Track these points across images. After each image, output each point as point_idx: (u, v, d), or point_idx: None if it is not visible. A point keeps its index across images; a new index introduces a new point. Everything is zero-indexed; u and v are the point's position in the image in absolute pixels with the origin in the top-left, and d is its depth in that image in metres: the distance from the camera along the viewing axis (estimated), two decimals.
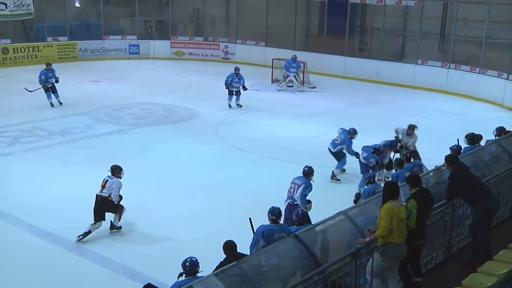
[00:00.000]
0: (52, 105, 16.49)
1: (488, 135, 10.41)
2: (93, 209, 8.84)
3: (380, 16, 22.44)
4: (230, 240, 6.30)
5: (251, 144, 13.70)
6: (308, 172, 8.73)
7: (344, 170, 11.69)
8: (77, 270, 8.01)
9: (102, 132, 14.52)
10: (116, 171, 9.00)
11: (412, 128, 11.62)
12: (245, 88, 16.91)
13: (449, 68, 20.38)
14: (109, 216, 9.01)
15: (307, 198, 8.54)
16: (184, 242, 8.65)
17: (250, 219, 6.93)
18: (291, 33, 24.64)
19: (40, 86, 16.09)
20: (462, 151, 9.32)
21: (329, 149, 11.70)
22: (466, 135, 10.02)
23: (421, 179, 6.58)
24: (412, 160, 10.14)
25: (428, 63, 20.98)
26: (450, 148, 9.46)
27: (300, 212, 6.99)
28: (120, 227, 9.07)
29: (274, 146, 13.60)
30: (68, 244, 8.62)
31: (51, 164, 12.03)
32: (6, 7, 22.44)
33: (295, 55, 19.92)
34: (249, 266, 5.49)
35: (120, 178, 9.02)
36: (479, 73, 19.39)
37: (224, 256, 6.20)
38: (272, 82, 20.78)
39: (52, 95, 16.58)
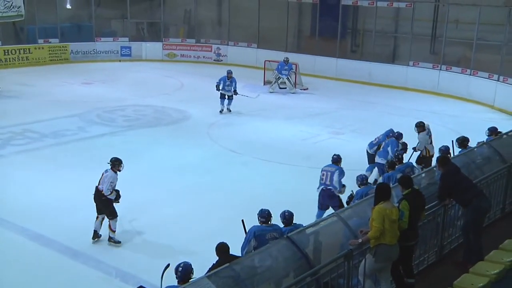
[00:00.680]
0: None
1: (480, 136, 10.47)
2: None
3: (372, 18, 22.52)
4: (222, 242, 6.29)
5: (244, 145, 13.71)
6: (338, 160, 9.45)
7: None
8: (69, 273, 7.97)
9: (94, 134, 14.47)
10: (116, 163, 8.77)
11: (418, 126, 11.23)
12: (235, 93, 16.57)
13: (440, 69, 20.49)
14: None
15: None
16: (177, 244, 8.64)
17: (242, 221, 6.93)
18: (283, 35, 24.67)
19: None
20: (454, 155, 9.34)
21: (366, 150, 11.43)
22: (457, 138, 9.97)
23: (413, 180, 6.60)
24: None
25: (420, 65, 21.08)
26: (439, 149, 9.51)
27: (287, 213, 7.01)
28: (119, 242, 8.72)
29: (267, 147, 13.61)
30: (61, 247, 8.58)
31: (43, 167, 11.97)
32: None
33: (287, 57, 19.94)
34: (242, 267, 5.50)
35: (119, 171, 8.78)
36: (470, 74, 19.50)
37: (217, 258, 6.18)
38: (264, 84, 20.79)
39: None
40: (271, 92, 19.52)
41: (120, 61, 25.26)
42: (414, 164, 10.66)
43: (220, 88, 16.42)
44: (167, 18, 26.73)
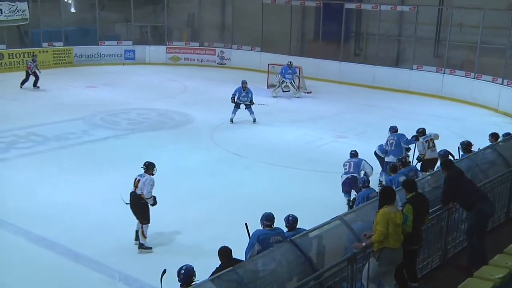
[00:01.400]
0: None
1: (484, 140, 10.42)
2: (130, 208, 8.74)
3: (375, 21, 22.52)
4: (225, 246, 6.27)
5: (247, 149, 13.70)
6: (356, 154, 10.58)
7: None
8: (72, 276, 7.98)
9: (98, 138, 14.49)
10: (150, 167, 8.79)
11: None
12: (252, 103, 16.11)
13: (444, 73, 20.45)
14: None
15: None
16: (180, 248, 8.64)
17: (246, 224, 6.92)
18: (287, 38, 24.69)
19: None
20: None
21: (376, 153, 11.44)
22: (461, 143, 9.88)
23: (417, 184, 6.59)
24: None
25: (423, 68, 21.05)
26: (438, 153, 9.48)
27: (291, 218, 6.99)
28: (151, 248, 8.67)
29: (270, 151, 13.61)
30: (63, 250, 8.59)
31: (46, 170, 11.99)
32: (1, 13, 22.43)
33: (290, 62, 19.93)
34: (245, 271, 5.48)
35: (153, 175, 8.78)
36: (474, 78, 19.46)
37: (219, 262, 6.17)
38: (267, 87, 20.80)
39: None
40: (274, 97, 19.51)
41: (124, 64, 25.32)
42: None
43: (236, 100, 16.00)
44: (170, 21, 26.79)
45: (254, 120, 16.05)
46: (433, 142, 11.02)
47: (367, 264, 5.93)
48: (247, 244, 6.76)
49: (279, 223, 6.95)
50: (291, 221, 6.96)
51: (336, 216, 6.30)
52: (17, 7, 22.93)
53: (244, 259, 6.32)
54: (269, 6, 24.79)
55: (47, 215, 9.73)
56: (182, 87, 21.30)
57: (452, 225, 7.24)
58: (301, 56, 23.59)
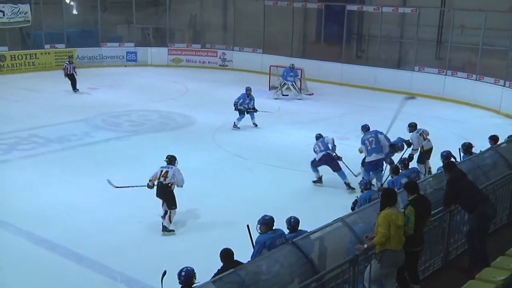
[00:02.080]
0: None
1: (485, 142, 10.40)
2: (156, 195, 9.42)
3: (377, 23, 22.54)
4: (227, 248, 6.27)
5: (249, 150, 13.70)
6: (321, 135, 11.86)
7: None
8: (74, 277, 7.98)
9: (100, 139, 14.51)
10: (173, 159, 9.64)
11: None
12: (255, 110, 15.96)
13: (446, 75, 20.44)
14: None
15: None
16: (181, 249, 8.64)
17: (248, 226, 6.91)
18: (289, 40, 24.70)
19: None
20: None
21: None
22: (462, 144, 9.89)
23: (419, 186, 6.58)
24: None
25: (425, 70, 21.05)
26: (440, 154, 9.46)
27: (293, 219, 6.98)
28: (173, 230, 9.31)
29: (271, 152, 13.60)
30: (65, 251, 8.59)
31: (48, 171, 12.01)
32: (4, 15, 22.48)
33: (292, 64, 19.93)
34: (247, 273, 5.48)
35: (176, 166, 9.60)
36: (476, 80, 19.45)
37: (221, 264, 6.17)
38: (269, 89, 20.81)
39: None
40: (275, 99, 19.51)
41: (126, 66, 25.36)
42: (417, 166, 10.68)
43: (238, 106, 15.80)
44: (172, 23, 26.83)
45: (255, 125, 15.95)
46: (427, 134, 11.50)
47: (369, 266, 5.93)
48: (249, 246, 6.75)
49: (281, 225, 6.94)
50: (293, 223, 6.95)
51: (338, 218, 6.29)
52: (19, 9, 22.98)
53: (245, 261, 6.31)
54: (271, 7, 24.81)
55: (49, 216, 9.73)
56: (184, 88, 21.32)
57: (454, 227, 7.23)
58: (302, 58, 23.63)
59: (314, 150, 11.51)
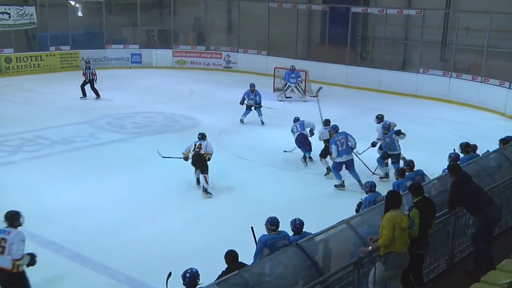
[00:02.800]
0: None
1: (490, 144, 10.38)
2: (192, 164, 11.25)
3: (382, 25, 22.51)
4: (231, 250, 6.27)
5: (253, 152, 13.71)
6: (299, 118, 13.03)
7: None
8: (79, 279, 8.00)
9: (104, 141, 14.54)
10: (204, 135, 11.54)
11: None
12: (260, 106, 16.26)
13: (450, 77, 20.39)
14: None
15: None
16: (185, 251, 8.62)
17: (252, 228, 6.91)
18: (293, 42, 24.72)
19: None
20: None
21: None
22: (460, 144, 9.98)
23: (424, 188, 6.57)
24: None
25: (430, 72, 21.01)
26: (448, 156, 9.44)
27: (298, 222, 6.98)
28: (211, 194, 10.93)
29: (276, 154, 13.60)
30: (70, 253, 8.61)
31: (53, 173, 12.04)
32: (10, 17, 22.57)
33: (293, 66, 19.99)
34: (251, 275, 5.48)
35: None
36: (481, 82, 19.39)
37: (226, 265, 6.17)
38: (274, 91, 20.80)
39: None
40: (280, 101, 19.52)
41: (130, 68, 25.41)
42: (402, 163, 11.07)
43: (245, 102, 16.24)
44: (177, 25, 26.87)
45: (262, 122, 16.11)
46: (394, 125, 12.14)
47: (373, 268, 5.92)
48: (253, 247, 6.75)
49: (285, 227, 6.94)
50: (298, 225, 6.94)
51: (342, 220, 6.28)
52: (25, 11, 23.07)
53: (249, 263, 6.31)
54: (275, 10, 24.83)
55: (54, 217, 9.75)
56: (188, 90, 21.34)
57: (459, 230, 7.21)
58: (307, 59, 23.65)
59: (292, 130, 12.74)
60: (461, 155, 9.70)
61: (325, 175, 12.05)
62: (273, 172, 12.46)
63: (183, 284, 5.68)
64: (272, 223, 6.79)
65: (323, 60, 23.20)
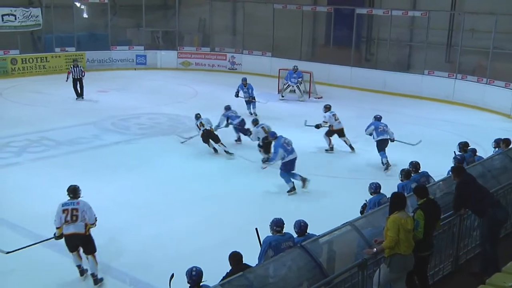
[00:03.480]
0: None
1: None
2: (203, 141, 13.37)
3: (387, 27, 22.48)
4: (235, 251, 6.26)
5: (258, 154, 13.68)
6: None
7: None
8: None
9: (109, 142, 14.57)
10: (199, 114, 13.82)
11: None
12: (253, 99, 17.25)
13: (456, 78, 20.35)
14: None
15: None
16: (189, 252, 8.63)
17: (256, 229, 6.91)
18: (298, 44, 24.72)
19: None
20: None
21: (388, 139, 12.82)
22: (459, 143, 10.20)
23: (428, 190, 6.55)
24: None
25: (435, 74, 20.96)
26: (453, 157, 9.42)
27: (302, 223, 6.97)
28: (233, 153, 13.41)
29: None
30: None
31: (58, 174, 12.05)
32: (15, 19, 22.68)
33: (295, 66, 20.10)
34: (255, 276, 5.48)
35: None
36: (486, 83, 19.34)
37: (230, 267, 6.16)
38: (278, 92, 20.83)
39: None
40: (281, 100, 19.65)
41: (135, 69, 25.47)
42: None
43: (240, 95, 17.42)
44: (182, 26, 26.92)
45: (255, 114, 16.88)
46: (338, 117, 14.01)
47: (378, 270, 5.91)
48: (256, 249, 6.75)
49: (290, 228, 6.93)
50: (302, 226, 6.93)
51: (347, 222, 6.27)
52: (30, 12, 23.18)
53: (254, 265, 6.31)
54: (280, 11, 24.83)
55: None
56: (193, 92, 21.37)
57: (464, 232, 7.18)
58: (312, 61, 23.64)
59: (229, 116, 14.33)
60: (458, 153, 9.76)
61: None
62: (278, 174, 12.43)
63: (188, 281, 5.71)
64: (277, 224, 6.78)
65: (327, 61, 23.19)
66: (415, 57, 23.05)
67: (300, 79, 19.98)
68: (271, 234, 6.76)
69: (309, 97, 20.53)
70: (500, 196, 7.55)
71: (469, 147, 10.18)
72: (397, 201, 5.98)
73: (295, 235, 6.89)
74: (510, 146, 9.88)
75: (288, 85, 19.99)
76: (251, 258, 6.47)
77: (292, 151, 11.59)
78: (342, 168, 12.85)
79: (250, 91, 17.40)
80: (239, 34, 26.82)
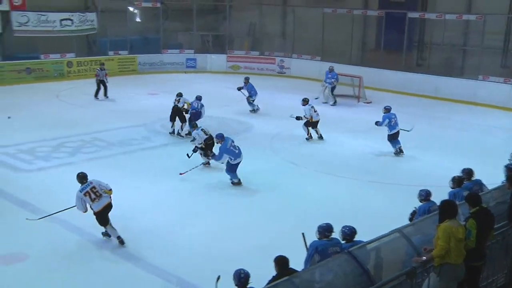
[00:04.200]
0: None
1: None
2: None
3: (440, 31, 21.99)
4: (282, 255, 6.22)
5: (304, 158, 13.65)
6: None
7: None
8: (132, 279, 8.17)
9: (158, 144, 14.84)
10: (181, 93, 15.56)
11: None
12: (249, 100, 18.48)
13: None
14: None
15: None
16: (235, 255, 8.64)
17: (303, 234, 6.86)
18: (348, 48, 24.51)
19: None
20: None
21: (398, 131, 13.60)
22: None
23: (482, 198, 6.36)
24: None
25: (490, 79, 20.34)
26: (505, 166, 9.08)
27: (348, 229, 6.88)
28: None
29: (328, 161, 13.51)
30: (125, 253, 8.81)
31: (110, 174, 12.26)
32: (72, 23, 23.48)
33: (331, 66, 20.19)
34: (301, 281, 5.45)
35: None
36: None
37: (274, 269, 6.14)
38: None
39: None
40: (324, 103, 19.57)
41: (185, 72, 25.86)
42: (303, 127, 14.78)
43: (242, 91, 18.67)
44: (232, 30, 27.17)
45: (251, 111, 18.20)
46: (316, 109, 15.01)
47: (427, 279, 5.77)
48: (301, 253, 6.70)
49: (336, 234, 6.85)
50: (349, 232, 6.84)
51: (395, 229, 6.16)
52: (86, 17, 23.95)
53: (299, 269, 6.27)
54: (330, 15, 24.70)
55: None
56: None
57: None
58: (362, 65, 23.39)
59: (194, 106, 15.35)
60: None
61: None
62: (326, 179, 12.35)
63: (236, 284, 5.75)
64: (327, 229, 6.71)
65: (378, 66, 22.89)
66: (469, 62, 22.43)
67: (334, 80, 19.80)
68: (317, 237, 6.71)
69: (358, 101, 20.31)
70: None
71: None
72: (447, 209, 5.83)
73: (342, 241, 6.81)
74: None
75: (326, 86, 19.90)
76: (296, 262, 6.43)
77: (239, 154, 11.70)
78: (390, 175, 12.59)
79: (248, 90, 18.13)
80: (288, 38, 26.84)
